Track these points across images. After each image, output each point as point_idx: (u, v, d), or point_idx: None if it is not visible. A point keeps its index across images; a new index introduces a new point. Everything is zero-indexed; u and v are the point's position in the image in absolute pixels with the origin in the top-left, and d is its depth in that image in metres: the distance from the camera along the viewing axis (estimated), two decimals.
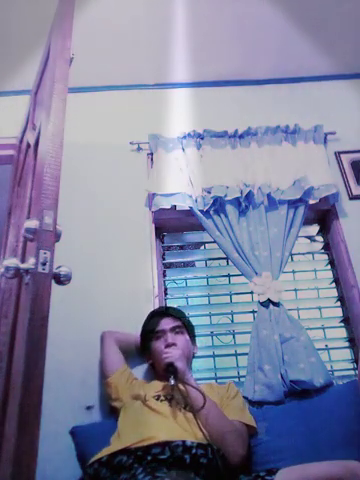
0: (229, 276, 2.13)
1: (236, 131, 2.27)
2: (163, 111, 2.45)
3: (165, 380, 1.44)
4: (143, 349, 1.65)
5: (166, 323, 1.60)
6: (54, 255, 0.89)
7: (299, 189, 2.07)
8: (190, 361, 1.61)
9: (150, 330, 1.61)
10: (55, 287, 0.89)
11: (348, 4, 2.23)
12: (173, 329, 1.59)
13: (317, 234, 2.28)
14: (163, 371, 1.44)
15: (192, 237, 2.27)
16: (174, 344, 1.53)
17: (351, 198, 2.22)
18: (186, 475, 1.11)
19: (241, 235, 1.99)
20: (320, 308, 2.06)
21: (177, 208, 2.19)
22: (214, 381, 1.87)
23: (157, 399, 1.41)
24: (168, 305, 1.96)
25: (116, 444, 1.28)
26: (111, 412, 1.63)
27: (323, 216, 2.24)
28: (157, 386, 1.48)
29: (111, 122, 2.42)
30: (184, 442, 1.21)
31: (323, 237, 2.25)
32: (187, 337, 1.62)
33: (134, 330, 1.72)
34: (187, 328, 1.65)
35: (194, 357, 1.69)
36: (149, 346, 1.60)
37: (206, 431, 1.27)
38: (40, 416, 0.77)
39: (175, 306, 1.91)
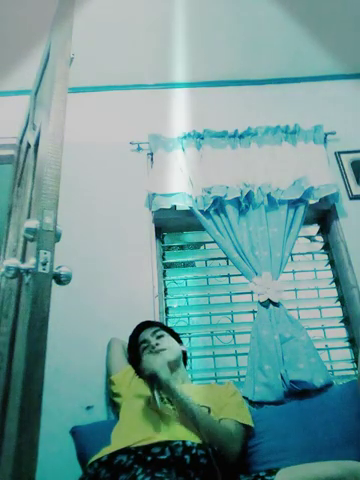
0: (229, 276, 2.13)
1: (236, 131, 2.27)
2: (163, 111, 2.45)
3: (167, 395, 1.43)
4: (137, 369, 1.61)
5: (146, 332, 1.62)
6: (54, 255, 0.89)
7: (299, 189, 2.07)
8: (180, 359, 1.60)
9: (135, 345, 1.61)
10: (55, 287, 0.89)
11: (348, 4, 2.23)
12: (154, 334, 1.60)
13: (317, 234, 2.28)
14: (147, 380, 1.40)
15: (192, 237, 2.28)
16: (158, 344, 1.56)
17: (351, 198, 2.22)
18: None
19: (241, 235, 1.99)
20: (320, 308, 2.06)
21: (177, 208, 2.19)
22: (214, 381, 1.87)
23: (161, 400, 1.40)
24: None
25: (116, 443, 1.28)
26: (112, 412, 1.64)
27: (323, 216, 2.24)
28: None
29: (111, 122, 2.42)
30: (184, 442, 1.21)
31: (323, 237, 2.25)
32: (170, 338, 1.63)
33: None
34: (168, 331, 1.66)
35: (189, 357, 1.69)
36: (141, 362, 1.58)
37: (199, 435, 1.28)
38: (40, 416, 0.77)
39: (174, 306, 1.91)
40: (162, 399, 1.39)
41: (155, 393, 1.34)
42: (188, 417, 1.30)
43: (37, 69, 1.70)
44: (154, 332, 1.61)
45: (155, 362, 1.41)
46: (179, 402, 1.33)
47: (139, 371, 1.60)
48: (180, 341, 1.67)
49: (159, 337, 1.59)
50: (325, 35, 2.38)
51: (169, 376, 1.38)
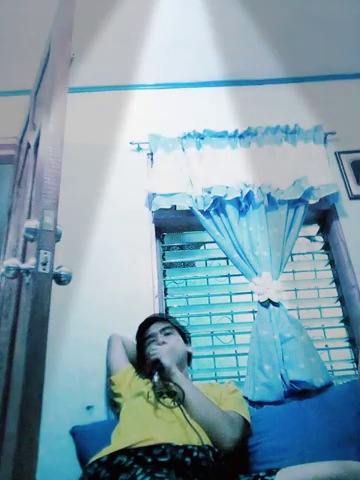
0: (229, 276, 2.13)
1: (236, 131, 2.27)
2: (163, 111, 2.45)
3: (167, 380, 1.44)
4: (140, 363, 1.62)
5: (155, 327, 1.61)
6: (54, 255, 0.89)
7: (299, 189, 2.07)
8: (184, 360, 1.60)
9: (142, 338, 1.61)
10: (55, 287, 0.89)
11: (348, 3, 2.23)
12: (163, 330, 1.60)
13: (317, 234, 2.28)
14: (150, 368, 1.46)
15: (192, 237, 2.27)
16: (164, 342, 1.55)
17: (351, 198, 2.22)
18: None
19: (241, 235, 1.99)
20: (320, 308, 2.06)
21: (177, 208, 2.19)
22: (214, 381, 1.87)
23: (160, 396, 1.41)
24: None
25: (116, 443, 1.28)
26: (112, 412, 1.64)
27: (323, 216, 2.24)
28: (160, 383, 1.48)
29: (111, 122, 2.42)
30: (185, 445, 1.21)
31: (323, 237, 2.25)
32: (178, 337, 1.62)
33: (133, 330, 1.72)
34: (178, 329, 1.66)
35: (192, 357, 1.69)
36: (144, 356, 1.59)
37: (195, 420, 1.30)
38: (40, 416, 0.77)
39: (174, 306, 1.92)
40: (162, 394, 1.39)
41: (155, 377, 1.39)
42: (188, 399, 1.34)
43: (37, 69, 1.70)
44: (163, 329, 1.60)
45: (158, 350, 1.49)
46: (180, 383, 1.38)
47: (141, 363, 1.60)
48: (187, 341, 1.67)
49: (167, 334, 1.59)
50: (325, 35, 2.38)
51: (173, 363, 1.44)
